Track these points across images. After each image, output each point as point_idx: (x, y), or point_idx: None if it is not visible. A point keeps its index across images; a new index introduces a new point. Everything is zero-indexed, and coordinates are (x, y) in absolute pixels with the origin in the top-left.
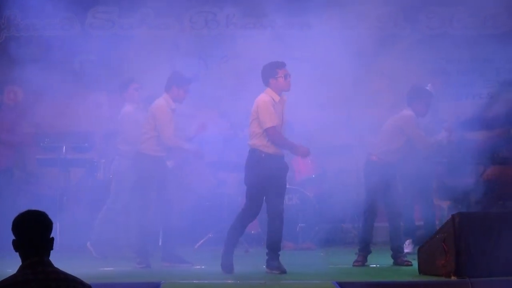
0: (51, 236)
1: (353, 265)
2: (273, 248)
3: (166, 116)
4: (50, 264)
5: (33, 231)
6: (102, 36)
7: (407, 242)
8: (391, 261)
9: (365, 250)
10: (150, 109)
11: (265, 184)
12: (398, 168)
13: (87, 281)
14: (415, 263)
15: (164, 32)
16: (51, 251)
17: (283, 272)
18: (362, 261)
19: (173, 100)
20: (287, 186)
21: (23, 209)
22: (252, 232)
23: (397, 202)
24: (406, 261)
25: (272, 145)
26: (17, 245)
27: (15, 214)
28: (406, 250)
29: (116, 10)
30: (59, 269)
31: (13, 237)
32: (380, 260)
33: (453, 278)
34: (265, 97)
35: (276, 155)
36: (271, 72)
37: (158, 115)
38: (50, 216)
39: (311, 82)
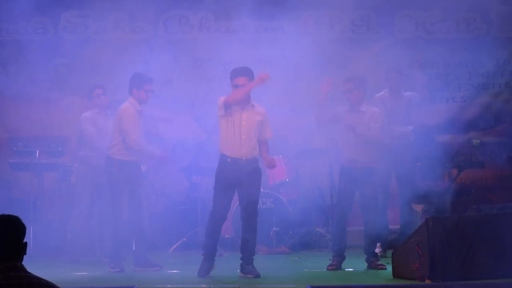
0: (24, 241)
1: (327, 269)
2: (247, 252)
3: (129, 118)
4: (23, 269)
5: (6, 236)
6: (76, 40)
7: (377, 245)
8: (365, 265)
9: (339, 254)
10: (116, 113)
11: (233, 187)
12: (372, 172)
13: (60, 285)
14: (389, 267)
15: (138, 36)
16: (24, 256)
17: (257, 276)
18: (336, 265)
19: (138, 102)
20: (262, 190)
21: None
22: (226, 236)
23: (372, 207)
24: (380, 264)
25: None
26: None
27: None
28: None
29: (90, 14)
30: (32, 274)
31: None
32: (354, 264)
33: (427, 281)
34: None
35: (240, 159)
36: None
37: (122, 118)
38: (23, 220)
39: (284, 86)
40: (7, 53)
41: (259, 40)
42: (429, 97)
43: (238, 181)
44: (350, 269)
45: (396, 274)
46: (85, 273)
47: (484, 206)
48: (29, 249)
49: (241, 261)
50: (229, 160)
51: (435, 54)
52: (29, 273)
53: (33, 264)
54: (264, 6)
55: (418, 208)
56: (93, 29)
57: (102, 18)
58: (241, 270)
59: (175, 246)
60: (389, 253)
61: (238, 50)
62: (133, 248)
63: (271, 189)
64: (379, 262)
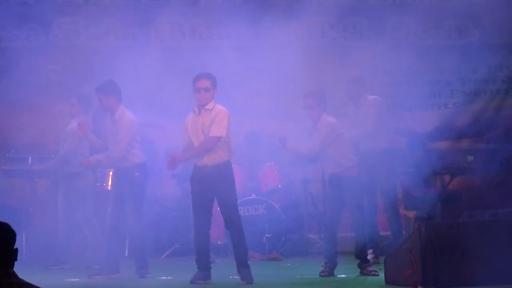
0: (14, 247)
1: (320, 275)
2: (239, 255)
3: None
4: (14, 275)
5: None
6: (67, 47)
7: (369, 251)
8: (357, 271)
9: (331, 261)
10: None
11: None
12: (363, 179)
13: None
14: (381, 273)
15: (129, 43)
16: (16, 262)
17: (249, 283)
18: (328, 271)
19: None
20: (254, 197)
21: None
22: (219, 242)
23: (358, 213)
24: (372, 271)
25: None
26: None
27: None
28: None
29: (81, 21)
30: (23, 280)
31: None
32: (346, 270)
33: None
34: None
35: (205, 166)
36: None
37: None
38: (15, 227)
39: (276, 93)
40: None
41: (251, 47)
42: (421, 104)
43: (209, 189)
44: (343, 275)
45: (388, 280)
46: (77, 279)
47: (476, 213)
48: (21, 256)
49: (236, 263)
50: (196, 169)
51: (427, 61)
52: (20, 279)
53: (25, 271)
54: (256, 13)
55: (411, 214)
56: (84, 36)
57: (93, 24)
58: (237, 272)
59: (167, 252)
60: (382, 259)
61: (230, 57)
62: (125, 255)
63: (264, 196)
64: (371, 268)
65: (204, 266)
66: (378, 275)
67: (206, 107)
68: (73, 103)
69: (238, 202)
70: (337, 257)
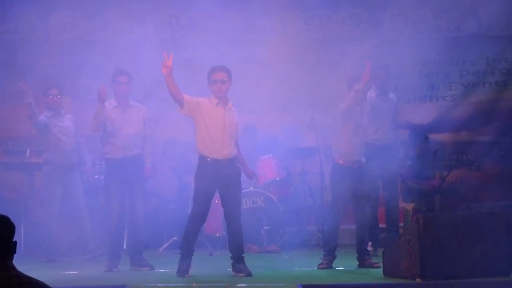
0: (13, 240)
1: (318, 268)
2: (236, 251)
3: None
4: (13, 268)
5: None
6: (65, 40)
7: (369, 244)
8: (356, 263)
9: (330, 253)
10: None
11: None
12: (364, 170)
13: (51, 285)
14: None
15: (127, 36)
16: (15, 255)
17: (248, 275)
18: (326, 263)
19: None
20: (252, 189)
21: None
22: (217, 235)
23: (364, 204)
24: (374, 263)
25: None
26: None
27: None
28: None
29: (79, 14)
30: (22, 273)
31: None
32: (345, 263)
33: (418, 280)
34: None
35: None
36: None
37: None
38: (14, 220)
39: (274, 85)
40: None
41: (249, 40)
42: (419, 96)
43: (219, 182)
44: (341, 268)
45: (386, 272)
46: (76, 272)
47: (475, 205)
48: (19, 249)
49: (231, 261)
50: (209, 160)
51: (425, 53)
52: (19, 272)
53: (23, 264)
54: (254, 5)
55: (409, 206)
56: (82, 29)
57: (91, 18)
58: (233, 269)
59: (165, 245)
60: (380, 251)
61: (228, 50)
62: (124, 247)
63: (262, 188)
64: (373, 261)
65: (189, 255)
66: (380, 267)
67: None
68: (52, 93)
69: None
70: (336, 250)
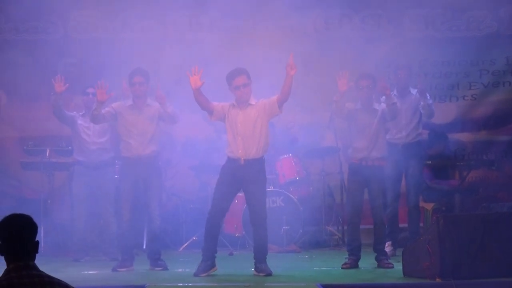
0: (36, 240)
1: (342, 267)
2: (260, 252)
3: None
4: (35, 267)
5: (18, 235)
6: (85, 40)
7: (387, 243)
8: (375, 263)
9: (353, 253)
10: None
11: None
12: (381, 170)
13: (71, 284)
14: (399, 265)
15: (147, 35)
16: (36, 255)
17: (269, 274)
18: (350, 263)
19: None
20: (272, 189)
21: (7, 213)
22: (237, 235)
23: (380, 205)
24: (387, 263)
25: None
26: (2, 249)
27: None
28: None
29: (99, 14)
30: (44, 273)
31: None
32: (365, 262)
33: (438, 280)
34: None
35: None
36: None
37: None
38: (34, 219)
39: (294, 85)
40: (17, 52)
41: (269, 39)
42: (439, 96)
43: (241, 182)
44: (361, 268)
45: (406, 272)
46: (95, 271)
47: (495, 205)
48: (39, 248)
49: (254, 260)
50: (229, 161)
51: (445, 53)
52: (41, 271)
53: (44, 263)
54: (274, 5)
55: (429, 206)
56: (102, 29)
57: (111, 17)
58: (255, 269)
59: (185, 244)
60: (399, 251)
61: (247, 50)
62: (143, 247)
63: (281, 188)
64: (387, 261)
65: (209, 256)
66: (393, 267)
67: (250, 101)
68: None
69: None
70: (360, 250)
